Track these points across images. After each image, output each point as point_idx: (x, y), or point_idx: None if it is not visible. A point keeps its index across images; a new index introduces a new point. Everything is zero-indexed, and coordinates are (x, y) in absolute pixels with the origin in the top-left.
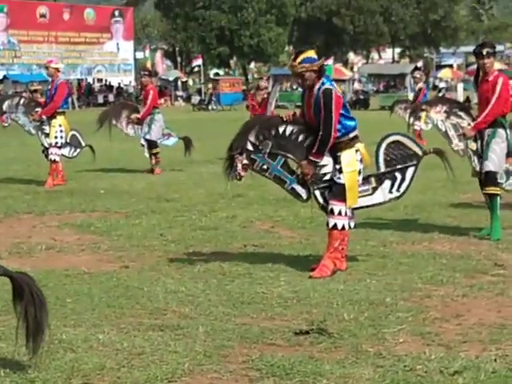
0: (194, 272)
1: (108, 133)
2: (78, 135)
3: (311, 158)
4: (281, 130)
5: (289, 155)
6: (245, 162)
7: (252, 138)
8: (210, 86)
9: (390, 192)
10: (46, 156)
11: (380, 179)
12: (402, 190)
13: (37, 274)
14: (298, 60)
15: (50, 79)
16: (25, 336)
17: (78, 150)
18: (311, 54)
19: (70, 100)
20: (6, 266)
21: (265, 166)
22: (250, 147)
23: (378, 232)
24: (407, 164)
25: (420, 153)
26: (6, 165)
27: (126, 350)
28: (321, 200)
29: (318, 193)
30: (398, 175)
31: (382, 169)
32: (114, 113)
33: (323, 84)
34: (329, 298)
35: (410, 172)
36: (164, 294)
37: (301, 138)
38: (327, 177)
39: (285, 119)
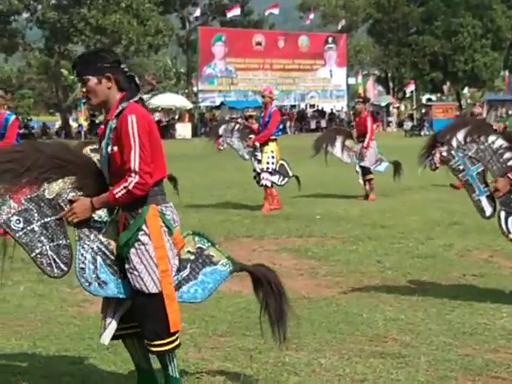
0: (412, 300)
1: (324, 158)
2: (286, 165)
3: (510, 175)
4: (490, 139)
5: (488, 166)
6: (444, 154)
7: (459, 136)
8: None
9: None
10: (258, 182)
11: None
12: None
13: None
14: None
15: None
16: (270, 326)
17: (286, 179)
18: None
19: (282, 126)
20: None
21: (461, 167)
22: (453, 143)
23: None
24: None
25: None
26: (224, 189)
27: (348, 376)
28: (503, 223)
29: (503, 214)
30: None
31: None
32: (329, 139)
33: None
34: None
35: None
36: (383, 321)
37: (507, 155)
38: None
39: (496, 130)
